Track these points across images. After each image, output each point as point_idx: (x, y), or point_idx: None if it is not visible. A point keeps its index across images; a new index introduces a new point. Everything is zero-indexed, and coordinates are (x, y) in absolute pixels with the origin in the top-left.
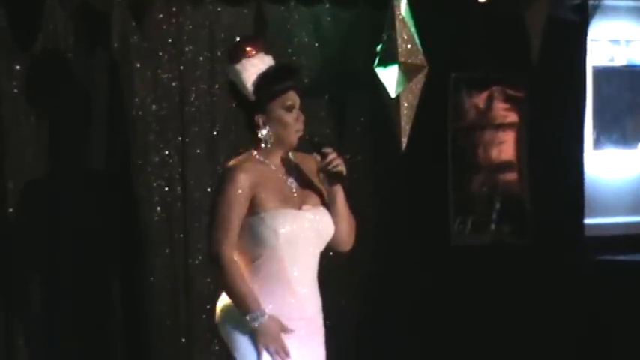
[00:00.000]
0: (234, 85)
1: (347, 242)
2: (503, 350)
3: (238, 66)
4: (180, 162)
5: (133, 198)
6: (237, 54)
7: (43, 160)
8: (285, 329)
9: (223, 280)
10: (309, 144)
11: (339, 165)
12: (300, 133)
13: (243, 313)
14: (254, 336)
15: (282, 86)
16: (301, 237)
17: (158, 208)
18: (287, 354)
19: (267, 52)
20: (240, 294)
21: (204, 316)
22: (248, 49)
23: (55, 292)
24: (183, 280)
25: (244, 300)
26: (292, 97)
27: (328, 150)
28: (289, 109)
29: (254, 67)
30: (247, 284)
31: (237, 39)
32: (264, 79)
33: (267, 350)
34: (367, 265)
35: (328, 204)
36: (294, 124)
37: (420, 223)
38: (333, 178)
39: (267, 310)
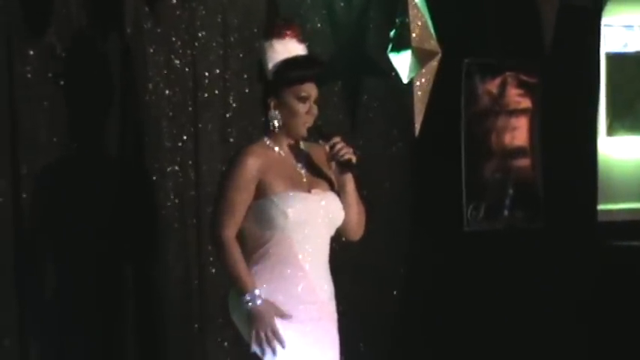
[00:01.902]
0: (260, 61)
1: (356, 231)
2: (516, 335)
3: (267, 43)
4: (194, 148)
5: (146, 183)
6: (270, 32)
7: (56, 145)
8: (282, 315)
9: (223, 261)
10: (316, 133)
11: (347, 153)
12: (309, 125)
13: (239, 293)
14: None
15: (298, 75)
16: (310, 219)
17: (171, 194)
18: (280, 342)
19: (301, 40)
20: (236, 274)
21: (217, 302)
22: (282, 30)
23: (67, 278)
24: (196, 266)
25: (240, 281)
26: (308, 89)
27: (336, 139)
28: (302, 100)
29: (282, 48)
30: (245, 266)
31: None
32: (285, 64)
33: (257, 335)
34: (380, 252)
35: (338, 191)
36: (303, 115)
37: (433, 209)
38: (342, 166)
39: (280, 297)
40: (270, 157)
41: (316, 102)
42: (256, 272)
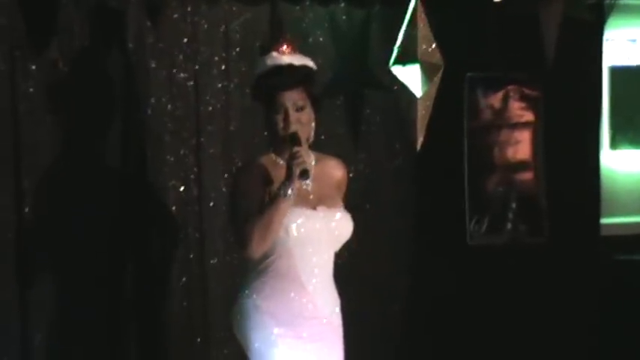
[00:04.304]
0: None
1: None
2: (520, 349)
3: (257, 60)
4: (196, 162)
5: (148, 198)
6: (262, 49)
7: (59, 159)
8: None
9: (263, 234)
10: (289, 138)
11: (303, 163)
12: (283, 134)
13: (276, 207)
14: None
15: (265, 87)
16: (313, 235)
17: (173, 208)
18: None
19: (284, 51)
20: (268, 218)
21: (219, 316)
22: (271, 45)
23: (69, 292)
24: (199, 280)
25: (268, 214)
26: (281, 99)
27: (298, 148)
28: (276, 110)
29: (265, 62)
30: (258, 214)
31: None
32: (257, 78)
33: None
34: (383, 265)
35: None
36: (280, 125)
37: (435, 222)
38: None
39: (282, 312)
40: (274, 171)
41: (300, 109)
42: (258, 286)
